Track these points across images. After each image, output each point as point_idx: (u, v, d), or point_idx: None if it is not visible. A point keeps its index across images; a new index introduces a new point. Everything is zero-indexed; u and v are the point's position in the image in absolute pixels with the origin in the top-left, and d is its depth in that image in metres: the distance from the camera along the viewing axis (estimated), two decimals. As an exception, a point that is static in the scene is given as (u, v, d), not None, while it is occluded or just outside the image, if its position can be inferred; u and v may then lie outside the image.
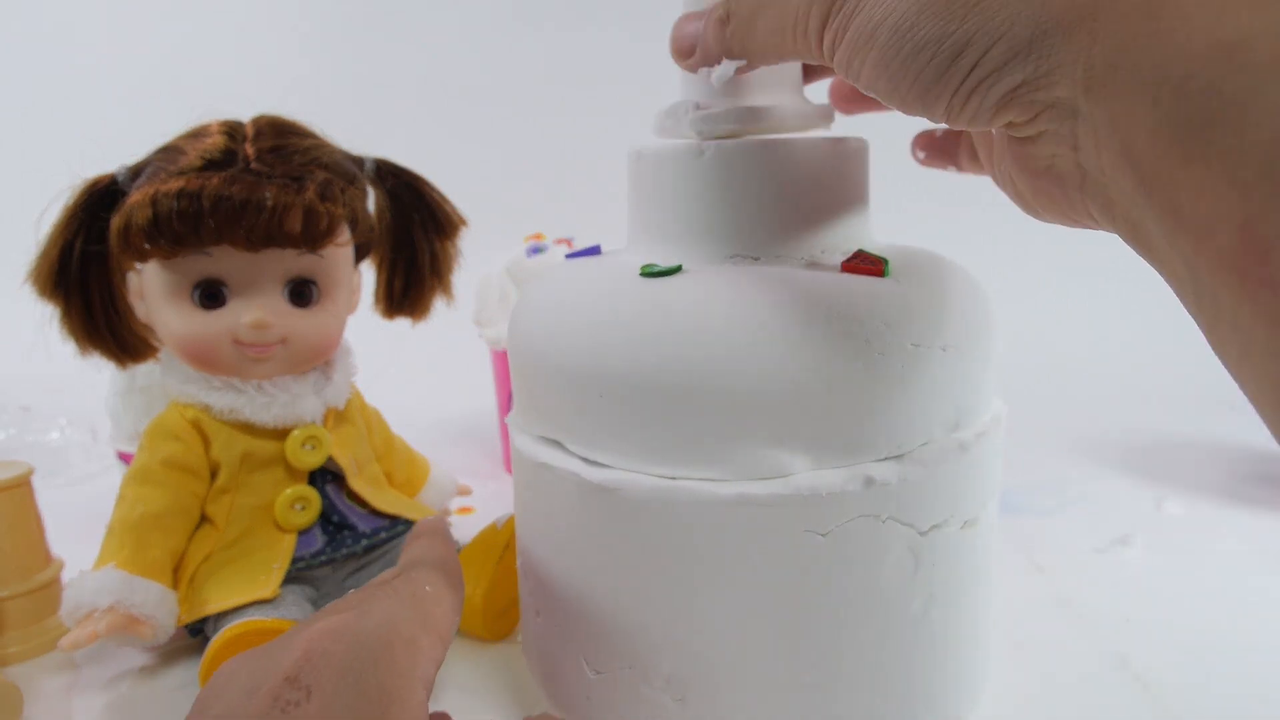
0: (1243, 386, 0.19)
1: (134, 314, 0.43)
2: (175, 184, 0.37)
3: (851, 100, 0.36)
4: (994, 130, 0.25)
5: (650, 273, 0.30)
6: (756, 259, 0.31)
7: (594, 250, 0.37)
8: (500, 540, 0.42)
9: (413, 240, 0.47)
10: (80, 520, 0.46)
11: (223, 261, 0.39)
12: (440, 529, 0.30)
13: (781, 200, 0.31)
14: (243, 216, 0.37)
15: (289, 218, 0.38)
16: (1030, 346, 0.86)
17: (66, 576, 0.40)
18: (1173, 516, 0.55)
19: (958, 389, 0.30)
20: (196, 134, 0.40)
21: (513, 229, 0.68)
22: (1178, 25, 0.18)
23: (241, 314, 0.40)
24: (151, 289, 0.41)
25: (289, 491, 0.41)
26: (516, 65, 1.09)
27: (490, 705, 0.37)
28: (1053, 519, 0.55)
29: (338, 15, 1.10)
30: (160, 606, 0.38)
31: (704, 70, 0.30)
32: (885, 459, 0.28)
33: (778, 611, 0.28)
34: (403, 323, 0.49)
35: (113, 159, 0.41)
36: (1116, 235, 0.22)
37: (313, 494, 0.42)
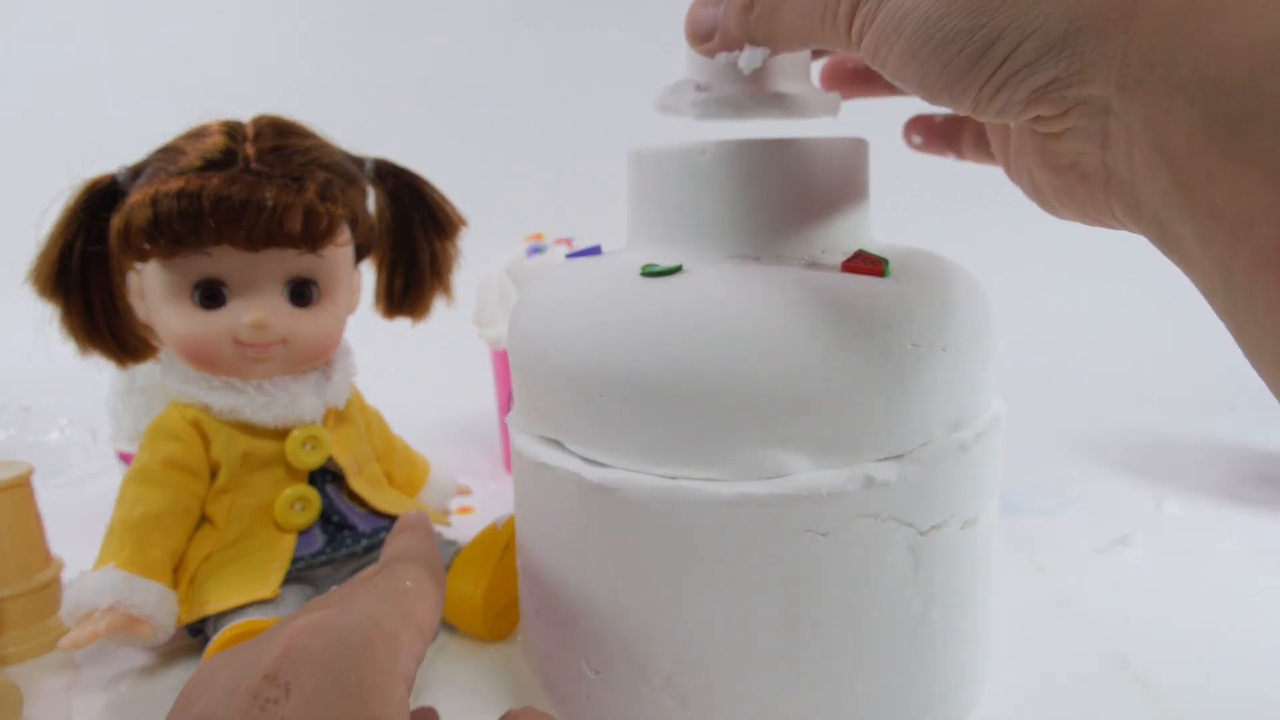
0: (1275, 388, 0.19)
1: (134, 314, 0.43)
2: (175, 184, 0.37)
3: (846, 83, 0.36)
4: (1013, 124, 0.25)
5: (650, 273, 0.30)
6: (757, 259, 0.31)
7: (594, 250, 0.37)
8: (500, 540, 0.42)
9: (413, 240, 0.47)
10: (80, 520, 0.46)
11: (223, 261, 0.39)
12: (422, 523, 0.30)
13: (782, 200, 0.31)
14: (243, 216, 0.37)
15: (289, 218, 0.38)
16: (1030, 346, 0.86)
17: (66, 576, 0.40)
18: (1173, 516, 0.55)
19: (958, 389, 0.30)
20: (196, 134, 0.40)
21: (513, 229, 0.68)
22: (1216, 25, 0.18)
23: (241, 314, 0.40)
24: (151, 289, 0.41)
25: (289, 491, 0.41)
26: (516, 65, 1.09)
27: (490, 705, 0.37)
28: (1053, 519, 0.55)
29: (338, 15, 1.10)
30: (160, 606, 0.38)
31: (722, 55, 0.29)
32: (885, 459, 0.28)
33: (778, 611, 0.28)
34: (403, 323, 0.49)
35: (113, 159, 0.41)
36: (1140, 235, 0.22)
37: (313, 494, 0.42)
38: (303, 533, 0.42)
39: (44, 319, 0.41)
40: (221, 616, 0.39)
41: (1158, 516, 0.55)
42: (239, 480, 0.41)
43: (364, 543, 0.44)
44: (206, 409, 0.41)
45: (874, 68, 0.24)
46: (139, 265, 0.41)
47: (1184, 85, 0.18)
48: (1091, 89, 0.20)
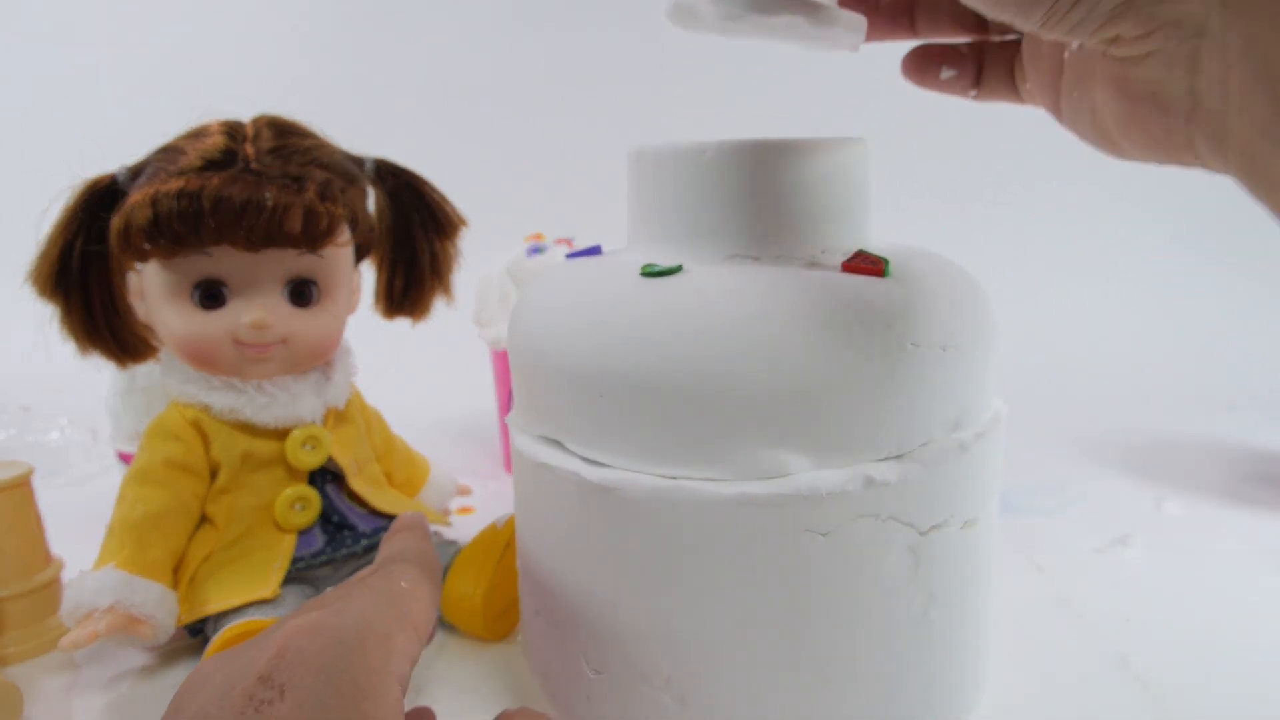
0: None
1: (134, 314, 0.43)
2: (175, 184, 0.37)
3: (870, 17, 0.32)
4: (1072, 51, 0.23)
5: (651, 273, 0.30)
6: (757, 259, 0.31)
7: (594, 250, 0.37)
8: (500, 540, 0.42)
9: (413, 240, 0.47)
10: (80, 520, 0.46)
11: (223, 261, 0.39)
12: (418, 524, 0.30)
13: (782, 200, 0.31)
14: (243, 216, 0.37)
15: (289, 218, 0.38)
16: (1030, 346, 0.86)
17: (66, 576, 0.40)
18: (1173, 516, 0.55)
19: (958, 389, 0.30)
20: (196, 134, 0.40)
21: (513, 229, 0.68)
22: None
23: (241, 314, 0.40)
24: (151, 289, 0.41)
25: (289, 491, 0.41)
26: (516, 65, 1.08)
27: (490, 705, 0.37)
28: (1053, 519, 0.55)
29: (338, 15, 1.10)
30: (160, 606, 0.38)
31: None
32: (885, 459, 0.28)
33: (778, 611, 0.28)
34: (403, 323, 0.49)
35: (113, 159, 0.41)
36: (1218, 173, 0.20)
37: (313, 494, 0.42)
38: (303, 533, 0.42)
39: (44, 319, 0.41)
40: (221, 616, 0.39)
41: (1158, 516, 0.55)
42: (239, 480, 0.41)
43: (364, 543, 0.44)
44: (206, 409, 0.41)
45: None
46: (139, 265, 0.41)
47: None
48: (1187, 5, 0.19)
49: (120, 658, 0.41)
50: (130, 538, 0.39)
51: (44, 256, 0.40)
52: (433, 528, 0.47)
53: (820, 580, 0.28)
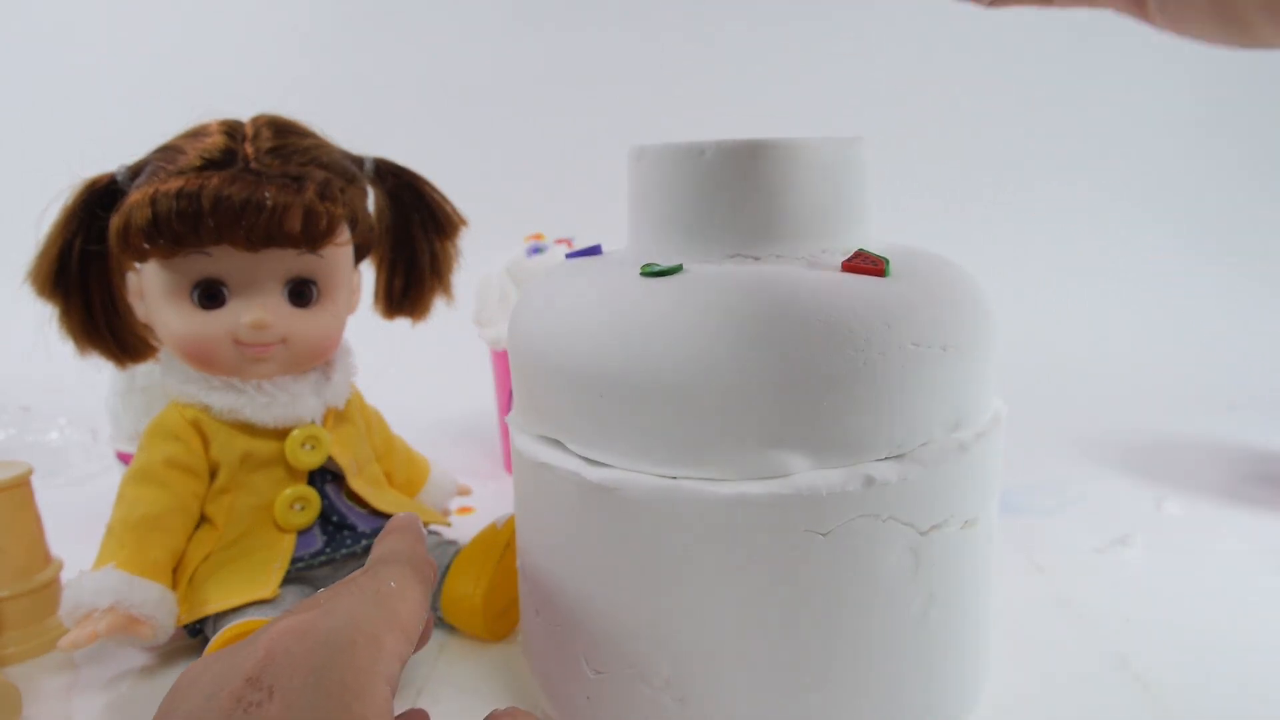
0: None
1: (133, 314, 0.43)
2: (174, 184, 0.37)
3: None
4: None
5: (651, 272, 0.30)
6: (757, 259, 0.31)
7: (594, 250, 0.37)
8: (500, 540, 0.42)
9: (413, 240, 0.47)
10: (80, 520, 0.46)
11: (222, 261, 0.39)
12: (410, 525, 0.30)
13: (782, 200, 0.31)
14: (242, 216, 0.37)
15: (289, 217, 0.38)
16: (1030, 346, 0.86)
17: (66, 576, 0.40)
18: (1173, 516, 0.55)
19: (958, 389, 0.30)
20: (196, 133, 0.40)
21: (513, 229, 0.68)
22: None
23: (241, 314, 0.40)
24: (151, 289, 0.41)
25: (288, 491, 0.41)
26: (516, 65, 1.09)
27: (490, 705, 0.37)
28: (1053, 519, 0.55)
29: (338, 15, 1.10)
30: (160, 607, 0.38)
31: None
32: (885, 459, 0.28)
33: (777, 611, 0.28)
34: (403, 323, 0.49)
35: (113, 159, 0.41)
36: None
37: (312, 494, 0.42)
38: (302, 533, 0.42)
39: (43, 319, 0.41)
40: (221, 616, 0.39)
41: (1158, 516, 0.55)
42: (238, 480, 0.41)
43: (364, 543, 0.43)
44: (206, 409, 0.41)
45: None
46: (138, 265, 0.41)
47: None
48: None
49: (120, 658, 0.41)
50: (130, 538, 0.39)
51: (43, 256, 0.40)
52: (433, 528, 0.47)
53: (820, 580, 0.28)
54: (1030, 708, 0.36)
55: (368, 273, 0.48)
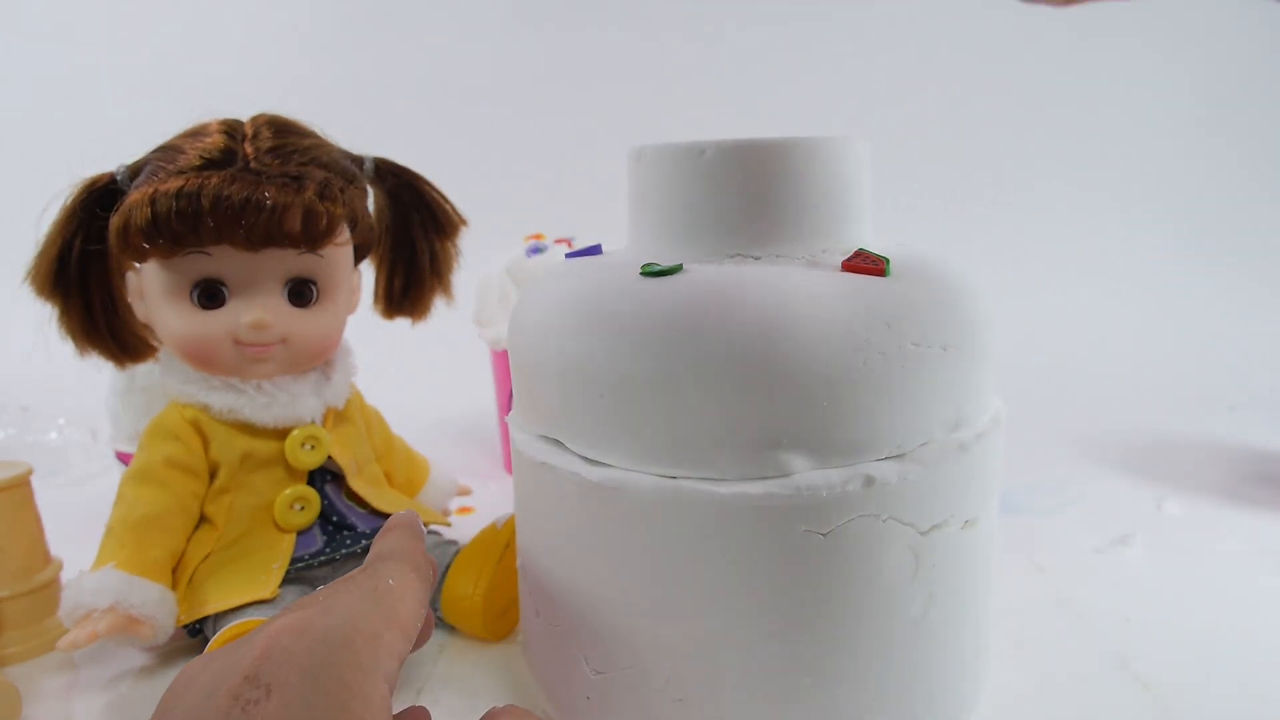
0: None
1: (133, 314, 0.43)
2: (174, 183, 0.37)
3: None
4: None
5: (651, 272, 0.30)
6: (757, 258, 0.31)
7: (594, 250, 0.37)
8: (500, 540, 0.42)
9: (413, 240, 0.47)
10: (80, 520, 0.46)
11: (222, 261, 0.39)
12: (410, 523, 0.30)
13: (782, 200, 0.31)
14: (242, 216, 0.37)
15: (288, 217, 0.38)
16: (1030, 346, 0.86)
17: (66, 577, 0.40)
18: (1173, 516, 0.55)
19: (958, 389, 0.29)
20: (196, 133, 0.40)
21: (513, 229, 0.68)
22: None
23: (241, 314, 0.40)
24: (151, 289, 0.41)
25: (288, 491, 0.41)
26: (516, 65, 1.09)
27: (490, 705, 0.37)
28: (1053, 519, 0.55)
29: (338, 15, 1.10)
30: (160, 607, 0.38)
31: None
32: (885, 459, 0.28)
33: (777, 611, 0.28)
34: (403, 323, 0.49)
35: (113, 159, 0.41)
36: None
37: (312, 494, 0.42)
38: (302, 533, 0.42)
39: (43, 319, 0.41)
40: (221, 616, 0.39)
41: (1158, 516, 0.55)
42: (238, 480, 0.41)
43: (364, 543, 0.43)
44: (206, 409, 0.41)
45: None
46: (138, 265, 0.41)
47: None
48: None
49: (120, 658, 0.41)
50: (130, 538, 0.39)
51: (43, 256, 0.40)
52: (433, 528, 0.47)
53: (820, 580, 0.28)
54: (1030, 708, 0.36)
55: (368, 273, 0.48)
